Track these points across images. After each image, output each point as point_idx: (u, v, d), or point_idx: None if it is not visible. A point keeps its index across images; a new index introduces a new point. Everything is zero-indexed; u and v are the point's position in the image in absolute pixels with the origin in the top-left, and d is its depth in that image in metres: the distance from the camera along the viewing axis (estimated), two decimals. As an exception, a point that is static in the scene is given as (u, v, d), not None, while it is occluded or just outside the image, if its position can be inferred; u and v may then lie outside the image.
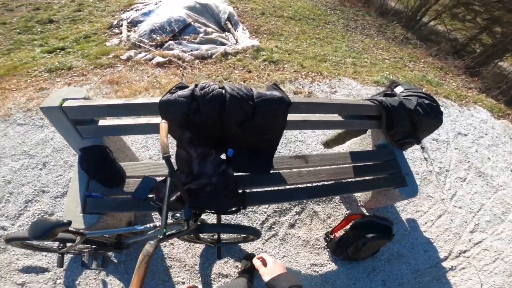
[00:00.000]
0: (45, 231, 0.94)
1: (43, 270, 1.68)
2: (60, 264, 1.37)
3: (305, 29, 5.31)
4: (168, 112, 1.29)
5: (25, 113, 2.36)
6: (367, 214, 2.23)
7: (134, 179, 1.47)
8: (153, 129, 1.43)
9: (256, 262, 0.93)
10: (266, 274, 0.85)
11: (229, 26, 4.43)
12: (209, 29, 4.16)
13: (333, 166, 1.85)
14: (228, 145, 1.48)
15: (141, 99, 1.33)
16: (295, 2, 6.38)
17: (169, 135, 1.14)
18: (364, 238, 1.81)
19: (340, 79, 3.68)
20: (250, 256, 1.89)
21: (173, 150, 1.47)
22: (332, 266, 1.99)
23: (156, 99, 1.27)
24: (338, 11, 6.74)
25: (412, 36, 6.90)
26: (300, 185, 1.74)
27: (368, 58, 4.74)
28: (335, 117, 1.83)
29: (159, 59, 3.35)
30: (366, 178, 1.91)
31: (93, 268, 1.40)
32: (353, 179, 1.87)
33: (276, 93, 1.39)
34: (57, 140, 2.26)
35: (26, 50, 3.75)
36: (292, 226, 2.14)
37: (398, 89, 1.96)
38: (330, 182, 1.80)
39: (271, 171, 1.67)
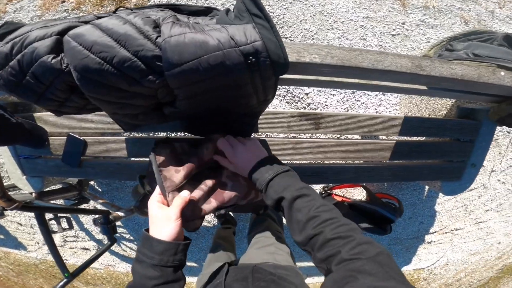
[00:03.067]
0: None
1: None
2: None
3: None
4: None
5: None
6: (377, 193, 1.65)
7: (57, 137, 1.07)
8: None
9: (222, 144, 0.69)
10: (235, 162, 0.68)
11: None
12: None
13: (361, 140, 1.16)
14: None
15: None
16: None
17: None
18: (356, 222, 1.52)
19: None
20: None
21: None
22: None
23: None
24: None
25: None
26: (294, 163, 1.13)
27: None
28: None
29: None
30: (406, 163, 1.22)
31: (60, 232, 1.15)
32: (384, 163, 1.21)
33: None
34: None
35: None
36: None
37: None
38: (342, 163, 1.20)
39: (252, 136, 0.95)
